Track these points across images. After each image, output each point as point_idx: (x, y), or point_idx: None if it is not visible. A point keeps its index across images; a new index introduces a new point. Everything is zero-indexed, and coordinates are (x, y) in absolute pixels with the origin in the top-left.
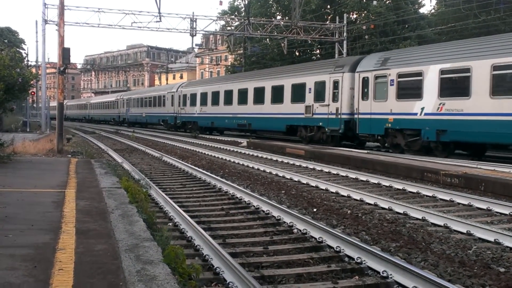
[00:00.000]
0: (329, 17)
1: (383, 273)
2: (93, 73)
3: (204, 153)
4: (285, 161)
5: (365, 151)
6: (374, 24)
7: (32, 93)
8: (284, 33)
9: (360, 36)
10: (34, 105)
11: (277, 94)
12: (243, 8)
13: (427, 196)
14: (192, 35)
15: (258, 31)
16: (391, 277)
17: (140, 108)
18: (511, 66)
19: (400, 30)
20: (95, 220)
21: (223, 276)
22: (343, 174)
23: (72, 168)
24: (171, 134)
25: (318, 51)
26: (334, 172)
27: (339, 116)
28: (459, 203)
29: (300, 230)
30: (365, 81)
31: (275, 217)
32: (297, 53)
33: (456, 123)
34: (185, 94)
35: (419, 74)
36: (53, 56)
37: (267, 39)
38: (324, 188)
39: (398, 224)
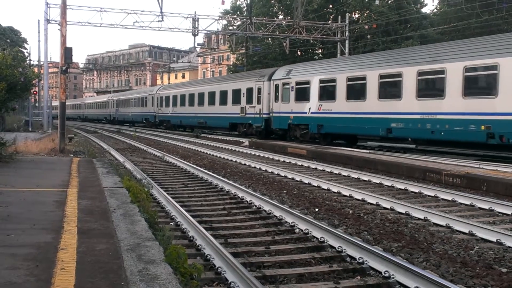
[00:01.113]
0: (331, 17)
1: (385, 273)
2: (95, 72)
3: (206, 153)
4: (287, 160)
5: (367, 151)
6: (376, 23)
7: (34, 92)
8: (286, 32)
9: (362, 36)
10: (36, 105)
11: (223, 98)
12: (245, 8)
13: (429, 196)
14: (194, 35)
15: (260, 31)
16: (393, 277)
17: (127, 108)
18: (356, 79)
19: (402, 29)
20: (97, 220)
21: (225, 276)
22: (345, 174)
23: (74, 168)
24: (173, 133)
25: (320, 51)
26: (336, 172)
27: (261, 115)
28: (461, 203)
29: (302, 230)
30: (277, 87)
31: (276, 216)
32: (299, 53)
33: (328, 120)
34: (162, 96)
35: (308, 82)
36: (55, 55)
37: (269, 39)
38: (326, 188)
39: (400, 224)
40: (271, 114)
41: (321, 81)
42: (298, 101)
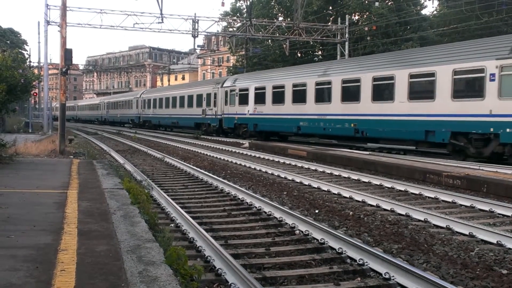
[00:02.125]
0: (331, 18)
1: (385, 275)
2: (95, 74)
3: (206, 154)
4: (287, 162)
5: (367, 153)
6: (376, 25)
7: (34, 94)
8: (286, 34)
9: (362, 38)
10: (36, 106)
11: (190, 101)
12: (245, 9)
13: (429, 197)
14: (194, 36)
15: (260, 32)
16: (393, 279)
17: (116, 110)
18: (278, 87)
19: (402, 31)
20: (97, 221)
21: (225, 277)
22: (345, 175)
23: (74, 169)
24: (173, 135)
25: (320, 52)
26: (336, 173)
27: (216, 116)
28: (461, 205)
29: (302, 232)
30: (226, 93)
31: (277, 218)
32: (299, 54)
33: (260, 120)
34: (144, 100)
35: (247, 89)
36: (55, 57)
37: (269, 40)
38: (326, 189)
39: (400, 225)
40: (223, 115)
41: (256, 89)
42: (241, 105)
